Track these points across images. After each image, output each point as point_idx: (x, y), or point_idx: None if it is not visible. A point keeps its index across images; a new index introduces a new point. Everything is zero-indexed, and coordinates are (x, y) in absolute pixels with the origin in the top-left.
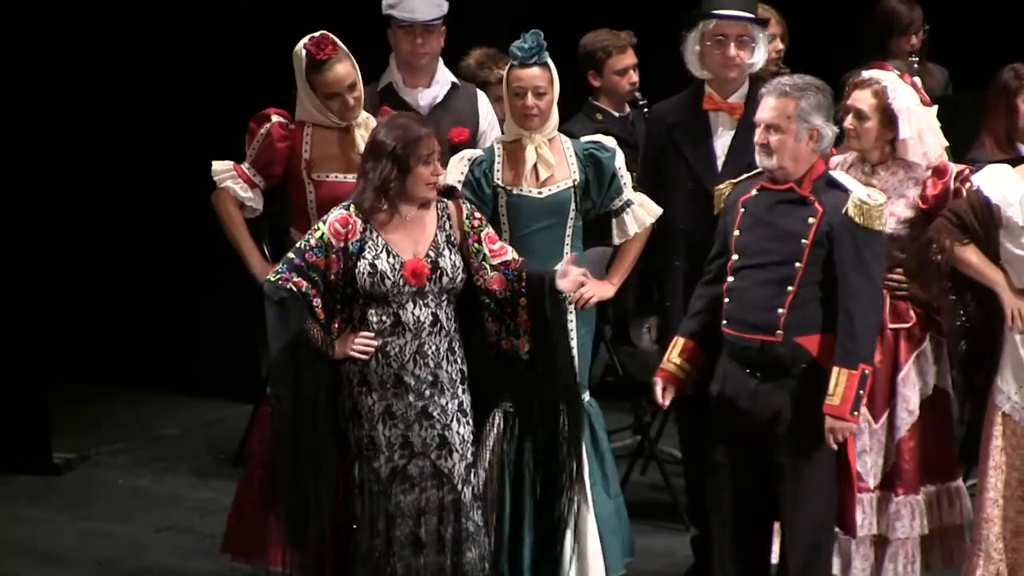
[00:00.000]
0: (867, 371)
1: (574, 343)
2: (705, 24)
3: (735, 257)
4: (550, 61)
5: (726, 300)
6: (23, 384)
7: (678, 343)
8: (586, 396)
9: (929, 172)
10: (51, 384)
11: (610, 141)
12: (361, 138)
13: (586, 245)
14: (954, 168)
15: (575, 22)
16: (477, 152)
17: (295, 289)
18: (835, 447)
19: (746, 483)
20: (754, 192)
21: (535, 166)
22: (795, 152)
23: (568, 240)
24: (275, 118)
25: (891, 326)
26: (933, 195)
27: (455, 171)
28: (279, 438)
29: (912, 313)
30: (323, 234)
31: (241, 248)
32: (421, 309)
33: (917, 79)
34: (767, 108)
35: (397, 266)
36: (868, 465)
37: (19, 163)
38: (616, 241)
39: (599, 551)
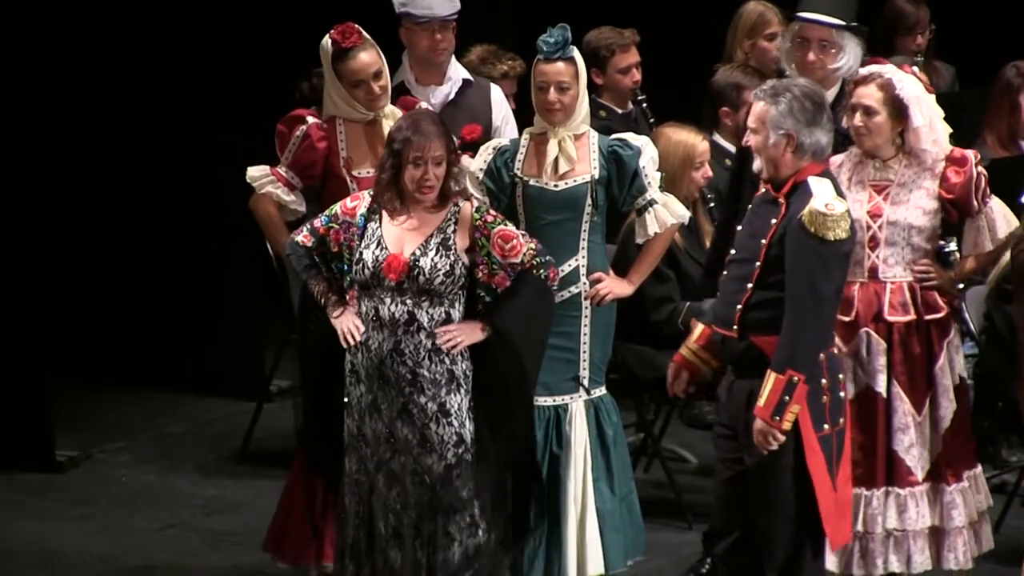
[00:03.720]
0: (796, 378)
1: (586, 340)
2: (794, 24)
3: (732, 252)
4: (577, 56)
5: (718, 293)
6: (26, 382)
7: (697, 329)
8: (602, 390)
9: (943, 161)
10: (54, 382)
11: (637, 139)
12: (388, 129)
13: (608, 241)
14: (971, 154)
15: (579, 19)
16: (504, 141)
17: (300, 242)
18: (765, 451)
19: (730, 470)
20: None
21: (556, 159)
22: (771, 156)
23: (584, 234)
24: (310, 119)
25: (926, 317)
26: (958, 183)
27: (480, 159)
28: (308, 412)
29: (941, 303)
30: (334, 208)
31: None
32: (398, 306)
33: (916, 68)
34: (752, 110)
35: (381, 258)
36: (916, 459)
37: (21, 160)
38: (638, 240)
39: (598, 546)
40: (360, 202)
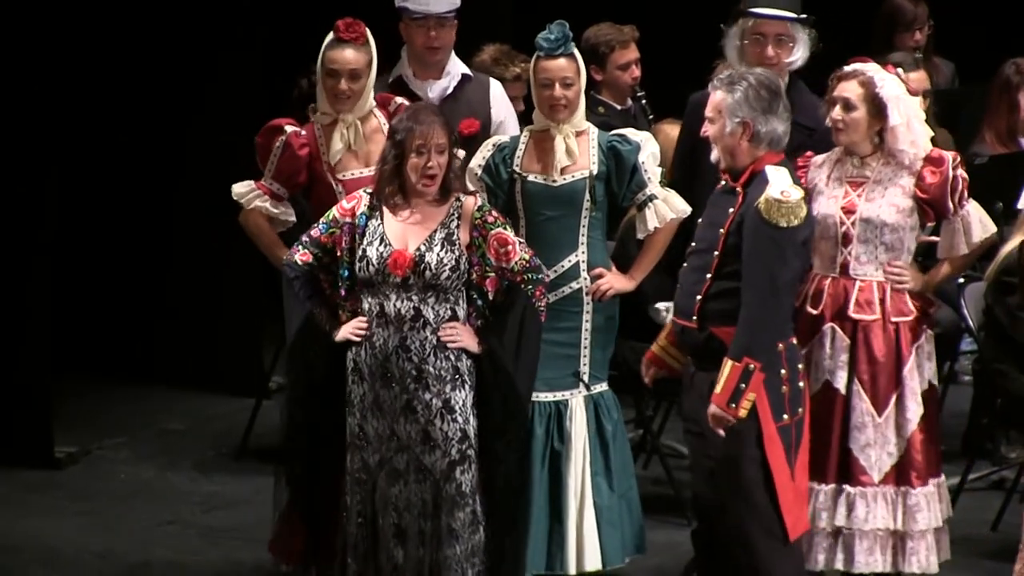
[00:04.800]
0: (752, 366)
1: (587, 336)
2: (745, 21)
3: (692, 244)
4: (576, 52)
5: (678, 284)
6: (25, 378)
7: (667, 326)
8: (603, 386)
9: (921, 161)
10: (53, 378)
11: (636, 135)
12: (340, 136)
13: (608, 237)
14: (949, 156)
15: (578, 17)
16: (504, 138)
17: (299, 262)
18: (721, 434)
19: (703, 467)
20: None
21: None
22: (727, 145)
23: (583, 230)
24: (288, 128)
25: (892, 319)
26: (933, 184)
27: (479, 155)
28: (293, 424)
29: (912, 306)
30: (331, 212)
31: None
32: (403, 302)
33: (901, 70)
34: (709, 101)
35: (385, 255)
36: (872, 459)
37: (21, 160)
38: (639, 235)
39: (596, 541)
40: (357, 201)
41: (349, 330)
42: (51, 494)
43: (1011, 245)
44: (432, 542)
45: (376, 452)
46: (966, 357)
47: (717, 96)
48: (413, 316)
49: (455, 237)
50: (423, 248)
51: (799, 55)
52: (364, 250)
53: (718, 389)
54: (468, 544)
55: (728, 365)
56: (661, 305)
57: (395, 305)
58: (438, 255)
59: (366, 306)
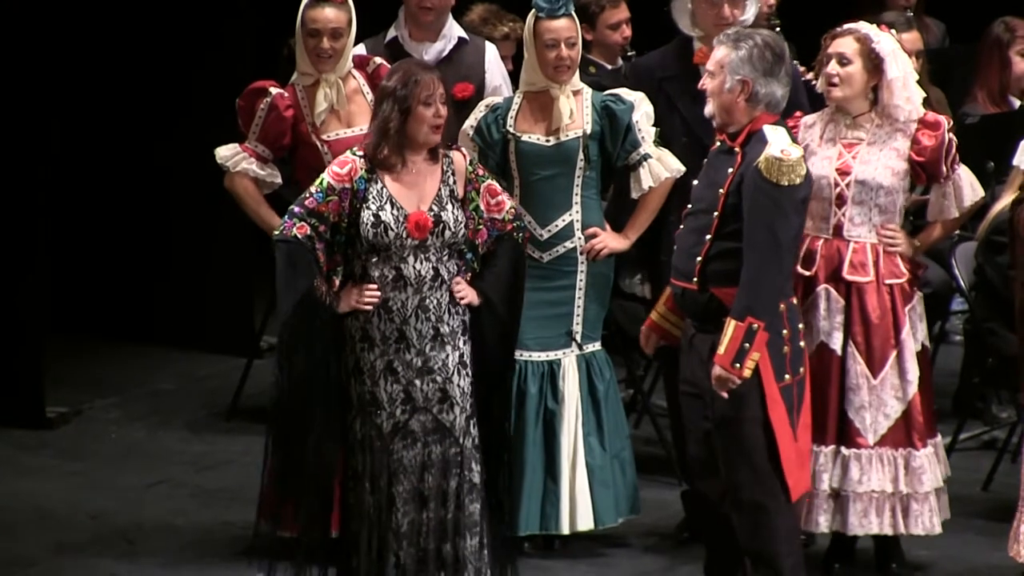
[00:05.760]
0: (755, 325)
1: (580, 296)
2: None
3: (689, 205)
4: (573, 11)
5: (675, 246)
6: (17, 337)
7: (665, 293)
8: (596, 346)
9: (915, 122)
10: (45, 338)
11: (630, 94)
12: (324, 96)
13: (603, 197)
14: (944, 119)
15: None
16: (498, 99)
17: (298, 236)
18: (724, 395)
19: (700, 429)
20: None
21: (553, 115)
22: (725, 102)
23: (577, 189)
24: (273, 90)
25: (886, 281)
26: (929, 146)
27: (472, 116)
28: (288, 397)
29: (903, 268)
30: (323, 179)
31: (270, 225)
32: (422, 263)
33: (895, 31)
34: (711, 55)
35: (401, 218)
36: (867, 422)
37: (20, 114)
38: (633, 195)
39: (588, 501)
40: (352, 165)
41: (357, 299)
42: (42, 454)
43: (1002, 204)
44: (454, 500)
45: (390, 417)
46: (957, 317)
47: (721, 52)
48: (433, 276)
49: (457, 194)
50: (436, 208)
51: (751, 12)
52: (376, 215)
53: (721, 350)
54: (482, 498)
55: (731, 325)
56: (638, 278)
57: (414, 267)
58: (453, 214)
59: (376, 273)
